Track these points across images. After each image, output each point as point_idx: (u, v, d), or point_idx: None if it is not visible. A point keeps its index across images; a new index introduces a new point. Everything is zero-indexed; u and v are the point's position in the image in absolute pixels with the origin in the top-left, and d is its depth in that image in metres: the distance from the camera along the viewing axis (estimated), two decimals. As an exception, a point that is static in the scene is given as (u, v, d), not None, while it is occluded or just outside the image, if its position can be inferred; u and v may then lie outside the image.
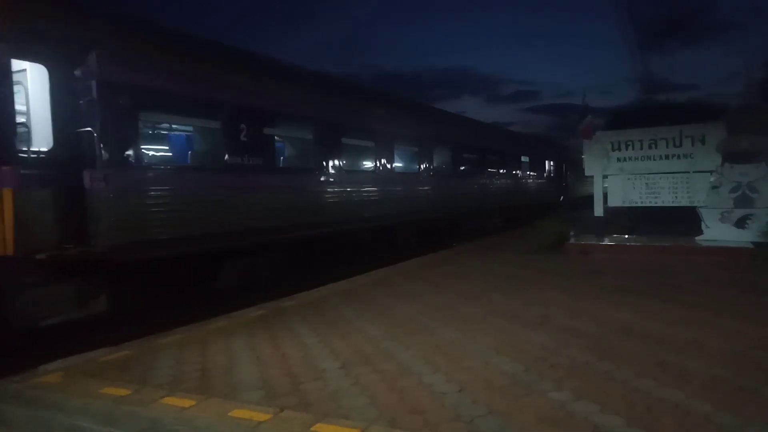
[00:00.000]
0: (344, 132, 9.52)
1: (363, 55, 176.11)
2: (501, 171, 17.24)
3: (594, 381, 3.53)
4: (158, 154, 8.73)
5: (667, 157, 10.00)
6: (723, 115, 10.06)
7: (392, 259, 9.46)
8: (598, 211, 10.75)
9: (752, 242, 9.06)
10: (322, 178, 8.88)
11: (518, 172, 18.82)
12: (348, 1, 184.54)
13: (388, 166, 10.77)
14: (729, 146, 9.46)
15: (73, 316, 5.42)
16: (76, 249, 5.29)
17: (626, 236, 10.77)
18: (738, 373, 3.58)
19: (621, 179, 10.42)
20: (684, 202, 9.90)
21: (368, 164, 11.14)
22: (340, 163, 9.30)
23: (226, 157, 7.05)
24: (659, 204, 10.16)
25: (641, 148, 10.20)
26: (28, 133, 5.29)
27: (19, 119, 5.16)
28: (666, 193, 10.05)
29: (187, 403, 3.39)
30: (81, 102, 5.44)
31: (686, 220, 9.88)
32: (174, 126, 8.68)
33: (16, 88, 5.15)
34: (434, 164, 12.71)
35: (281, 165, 9.19)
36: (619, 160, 10.38)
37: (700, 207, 9.70)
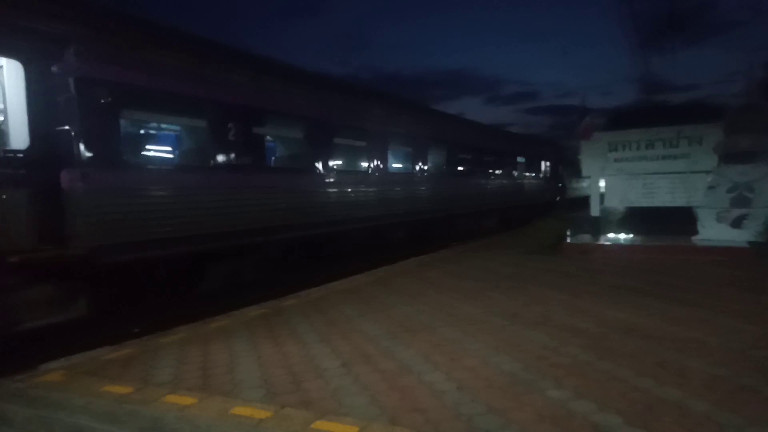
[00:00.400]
0: (336, 131, 9.34)
1: (363, 56, 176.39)
2: (498, 171, 17.24)
3: (594, 380, 3.55)
4: (140, 152, 8.44)
5: (664, 157, 10.06)
6: (722, 115, 10.09)
7: (390, 260, 9.43)
8: (595, 211, 10.79)
9: (748, 242, 9.11)
10: (313, 178, 8.72)
11: (515, 172, 18.84)
12: (348, 2, 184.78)
13: (382, 166, 10.64)
14: (726, 147, 9.51)
15: (52, 320, 5.17)
16: (52, 251, 5.10)
17: (624, 236, 10.80)
18: (738, 372, 3.61)
19: (619, 180, 10.46)
20: (681, 202, 9.94)
21: (362, 164, 11.01)
22: (332, 162, 9.16)
23: (211, 155, 6.89)
24: (656, 204, 10.20)
25: (639, 149, 10.25)
26: (4, 131, 5.13)
27: None
28: (663, 194, 10.10)
29: (188, 401, 3.40)
30: (59, 99, 5.23)
31: (684, 220, 9.91)
32: (156, 124, 8.48)
33: None
34: (430, 164, 12.55)
35: (271, 165, 9.08)
36: (616, 160, 10.42)
37: (697, 207, 9.75)
